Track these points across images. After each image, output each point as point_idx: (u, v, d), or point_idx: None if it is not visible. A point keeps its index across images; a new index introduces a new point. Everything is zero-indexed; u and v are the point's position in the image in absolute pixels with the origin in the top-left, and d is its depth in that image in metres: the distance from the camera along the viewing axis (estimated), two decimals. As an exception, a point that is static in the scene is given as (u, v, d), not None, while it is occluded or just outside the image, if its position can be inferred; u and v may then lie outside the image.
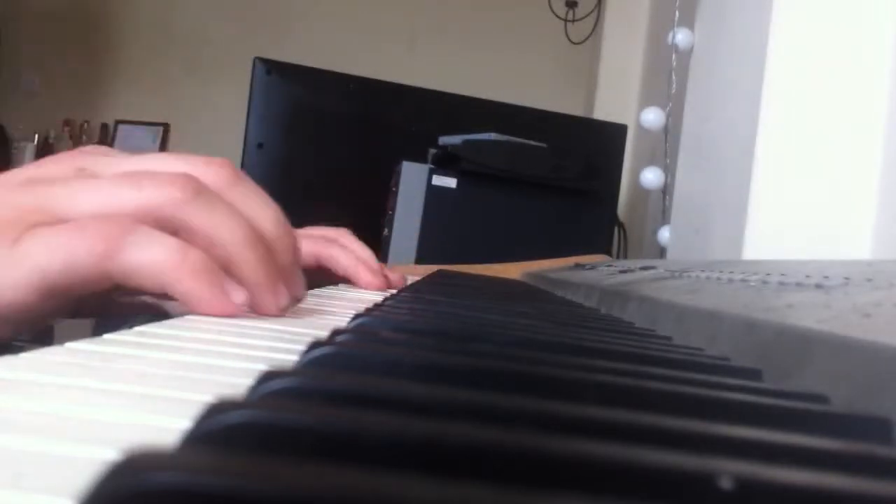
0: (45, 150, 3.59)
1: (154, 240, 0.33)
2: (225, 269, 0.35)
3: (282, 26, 3.51)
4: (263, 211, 0.38)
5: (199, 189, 0.35)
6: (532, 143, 1.65)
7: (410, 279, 0.87)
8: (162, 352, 0.24)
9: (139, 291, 0.35)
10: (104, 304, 0.46)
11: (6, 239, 0.32)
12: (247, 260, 0.35)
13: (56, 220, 0.33)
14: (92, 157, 0.37)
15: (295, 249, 0.39)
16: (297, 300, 0.40)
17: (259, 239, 0.36)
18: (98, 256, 0.32)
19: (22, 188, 0.34)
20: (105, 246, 0.32)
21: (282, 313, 0.37)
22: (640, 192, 1.84)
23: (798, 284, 0.35)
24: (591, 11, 2.78)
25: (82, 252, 0.32)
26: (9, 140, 3.45)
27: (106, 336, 0.26)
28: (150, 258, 0.32)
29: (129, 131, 3.62)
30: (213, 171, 0.37)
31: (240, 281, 0.35)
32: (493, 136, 1.63)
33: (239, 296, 0.34)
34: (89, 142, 3.65)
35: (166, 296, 0.35)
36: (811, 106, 1.00)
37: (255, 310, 0.36)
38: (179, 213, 0.34)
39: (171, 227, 0.34)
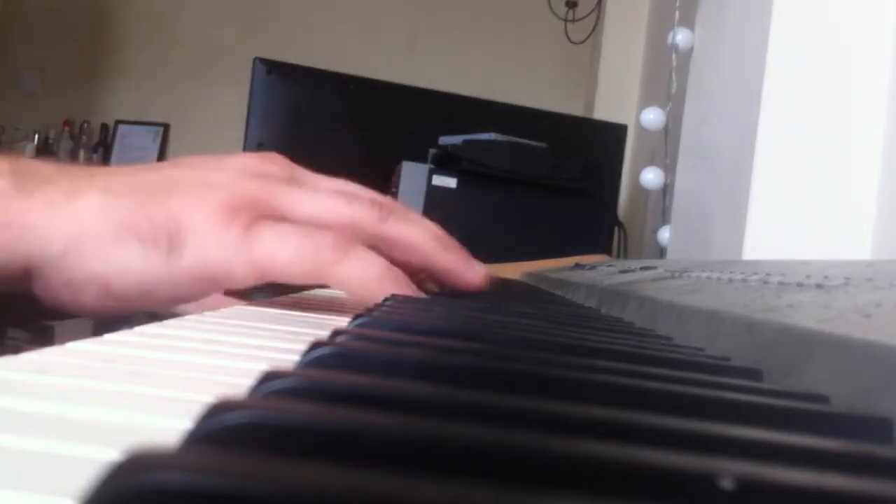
0: (45, 150, 3.59)
1: (369, 257, 0.39)
2: (425, 270, 0.45)
3: (282, 26, 3.51)
4: (428, 223, 0.47)
5: (391, 208, 0.43)
6: (532, 143, 1.66)
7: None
8: (162, 352, 0.24)
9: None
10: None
11: (240, 222, 0.36)
12: (441, 250, 0.45)
13: (279, 217, 0.38)
14: (299, 169, 0.44)
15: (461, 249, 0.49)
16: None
17: (442, 237, 0.46)
18: (322, 261, 0.37)
19: (246, 177, 0.39)
20: (332, 255, 0.38)
21: (485, 284, 0.48)
22: (640, 192, 1.84)
23: (798, 284, 0.35)
24: (591, 11, 2.78)
25: (310, 253, 0.37)
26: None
27: (106, 336, 0.26)
28: (364, 272, 0.39)
29: (129, 131, 3.62)
30: (383, 199, 0.45)
31: (441, 271, 0.46)
32: (493, 136, 1.63)
33: None
34: (89, 142, 3.65)
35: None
36: (811, 106, 1.00)
37: (463, 286, 0.47)
38: (381, 228, 0.42)
39: (368, 237, 0.41)
